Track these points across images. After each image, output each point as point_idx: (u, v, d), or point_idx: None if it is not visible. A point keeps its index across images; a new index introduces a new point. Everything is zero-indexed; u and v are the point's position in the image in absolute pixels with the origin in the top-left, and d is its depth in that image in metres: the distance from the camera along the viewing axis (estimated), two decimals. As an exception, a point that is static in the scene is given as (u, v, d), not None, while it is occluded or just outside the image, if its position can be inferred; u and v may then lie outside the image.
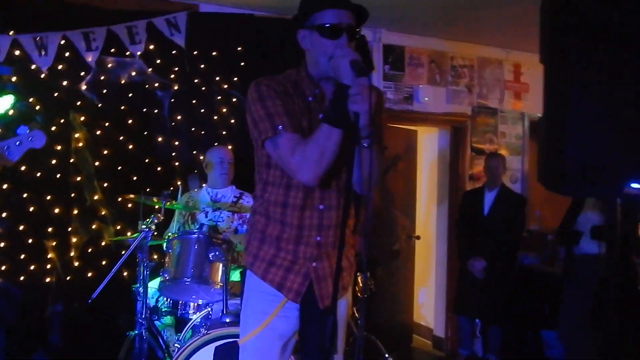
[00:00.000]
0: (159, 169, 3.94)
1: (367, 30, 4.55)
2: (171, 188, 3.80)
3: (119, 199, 3.74)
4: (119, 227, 3.79)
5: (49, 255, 3.63)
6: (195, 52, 4.00)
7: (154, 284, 3.20)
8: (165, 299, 3.23)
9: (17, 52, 3.56)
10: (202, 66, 4.03)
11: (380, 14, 4.06)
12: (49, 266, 3.63)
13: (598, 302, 3.57)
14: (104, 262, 3.70)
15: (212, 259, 2.86)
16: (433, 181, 5.46)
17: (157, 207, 3.16)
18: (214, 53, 4.05)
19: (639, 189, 1.63)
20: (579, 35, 1.65)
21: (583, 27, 1.65)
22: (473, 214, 4.45)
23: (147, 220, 2.98)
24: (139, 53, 3.82)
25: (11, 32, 3.54)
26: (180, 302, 3.20)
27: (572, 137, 1.67)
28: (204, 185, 3.76)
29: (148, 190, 3.26)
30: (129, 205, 3.76)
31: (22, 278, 3.57)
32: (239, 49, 4.11)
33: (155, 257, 3.53)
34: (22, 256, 3.58)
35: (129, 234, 3.63)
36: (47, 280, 3.63)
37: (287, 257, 1.85)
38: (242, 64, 4.10)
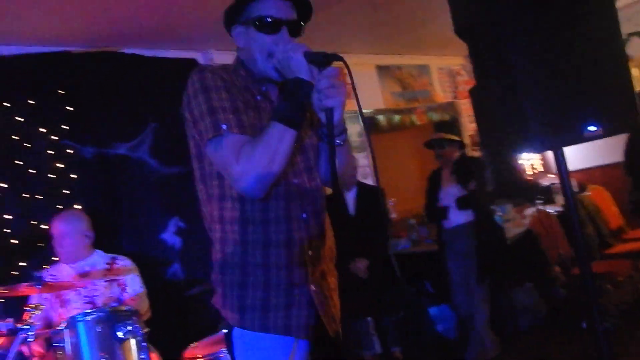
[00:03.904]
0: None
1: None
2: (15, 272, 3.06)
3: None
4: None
5: None
6: (5, 104, 3.27)
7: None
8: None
9: None
10: (18, 119, 3.31)
11: None
12: None
13: (480, 263, 3.88)
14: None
15: (125, 337, 2.33)
16: None
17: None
18: (30, 102, 3.36)
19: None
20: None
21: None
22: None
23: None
24: None
25: None
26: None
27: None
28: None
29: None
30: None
31: None
32: (61, 92, 3.48)
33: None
34: None
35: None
36: None
37: (280, 290, 1.53)
38: (70, 108, 3.49)
